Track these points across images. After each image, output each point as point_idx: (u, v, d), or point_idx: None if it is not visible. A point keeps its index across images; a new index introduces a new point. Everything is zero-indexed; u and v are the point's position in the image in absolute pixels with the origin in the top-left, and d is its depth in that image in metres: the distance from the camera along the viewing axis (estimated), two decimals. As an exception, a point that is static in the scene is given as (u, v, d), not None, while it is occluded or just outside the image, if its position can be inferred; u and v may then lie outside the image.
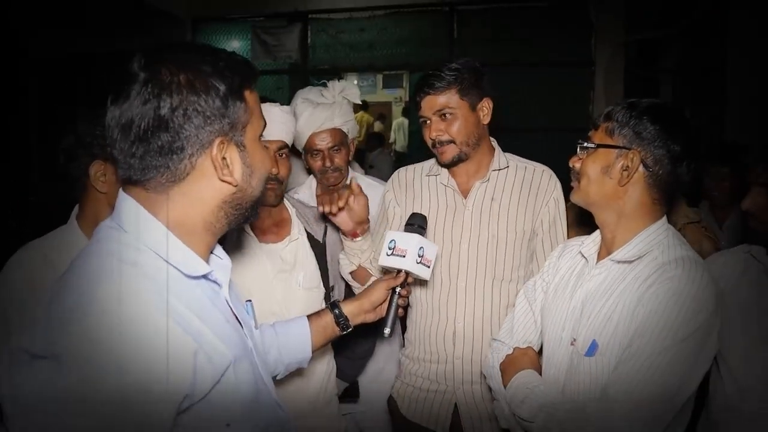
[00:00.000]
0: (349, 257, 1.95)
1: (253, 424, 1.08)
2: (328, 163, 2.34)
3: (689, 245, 1.46)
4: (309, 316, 1.59)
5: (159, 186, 1.00)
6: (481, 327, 1.96)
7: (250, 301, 1.32)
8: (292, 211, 2.05)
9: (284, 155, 1.95)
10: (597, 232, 1.56)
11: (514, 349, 1.66)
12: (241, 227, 1.89)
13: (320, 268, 2.01)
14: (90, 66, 5.76)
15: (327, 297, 2.02)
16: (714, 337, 1.33)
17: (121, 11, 5.89)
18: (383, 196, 2.17)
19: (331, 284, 2.03)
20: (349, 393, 2.20)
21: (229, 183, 1.04)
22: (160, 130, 0.96)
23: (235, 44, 6.96)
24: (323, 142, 2.30)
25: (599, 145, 1.45)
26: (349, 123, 2.45)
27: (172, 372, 0.89)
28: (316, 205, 2.40)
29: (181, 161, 0.99)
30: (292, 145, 2.13)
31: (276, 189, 1.91)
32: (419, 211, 1.95)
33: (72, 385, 0.83)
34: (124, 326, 0.87)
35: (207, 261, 1.09)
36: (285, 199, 2.05)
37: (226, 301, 1.14)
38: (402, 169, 2.18)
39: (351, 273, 1.98)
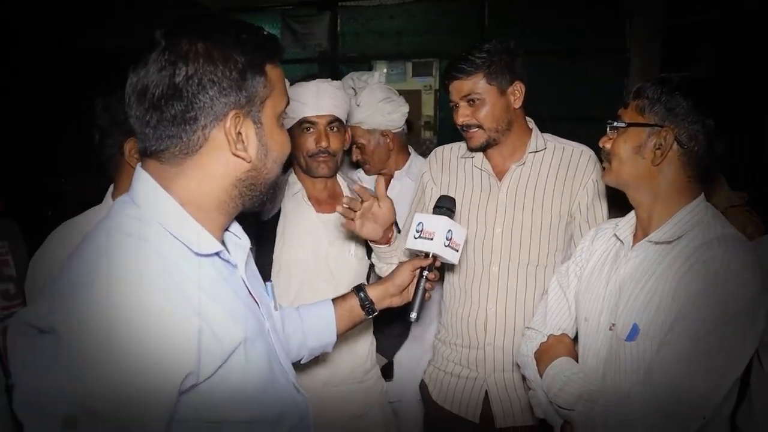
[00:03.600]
0: (384, 260, 1.90)
1: (265, 408, 1.05)
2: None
3: (729, 223, 1.40)
4: (334, 300, 1.57)
5: (172, 158, 0.99)
6: (513, 314, 1.91)
7: (270, 281, 1.31)
8: (343, 185, 2.08)
9: (335, 129, 1.95)
10: (631, 214, 1.51)
11: (549, 336, 1.62)
12: (298, 198, 1.96)
13: (366, 244, 2.00)
14: (117, 60, 5.83)
15: (369, 273, 2.03)
16: (761, 317, 1.27)
17: (148, 3, 5.93)
18: (421, 176, 2.13)
19: (372, 260, 2.02)
20: (384, 372, 2.19)
21: (242, 158, 1.01)
22: (173, 98, 0.95)
23: (265, 33, 6.98)
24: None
25: (630, 124, 1.40)
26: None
27: (174, 349, 0.87)
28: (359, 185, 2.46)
29: (194, 132, 0.97)
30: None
31: (328, 161, 1.93)
32: (454, 193, 1.92)
33: (72, 359, 0.82)
34: (125, 301, 0.85)
35: (220, 240, 1.07)
36: (338, 175, 2.06)
37: (243, 281, 1.11)
38: (440, 148, 2.14)
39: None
